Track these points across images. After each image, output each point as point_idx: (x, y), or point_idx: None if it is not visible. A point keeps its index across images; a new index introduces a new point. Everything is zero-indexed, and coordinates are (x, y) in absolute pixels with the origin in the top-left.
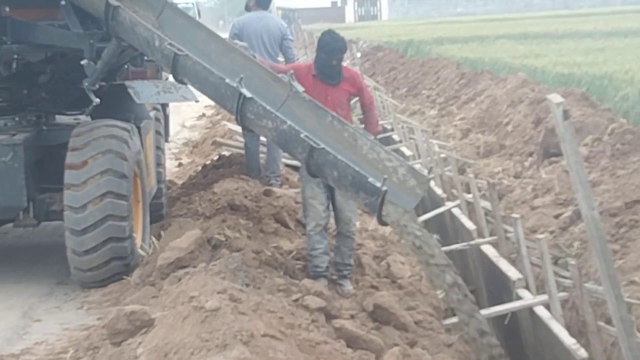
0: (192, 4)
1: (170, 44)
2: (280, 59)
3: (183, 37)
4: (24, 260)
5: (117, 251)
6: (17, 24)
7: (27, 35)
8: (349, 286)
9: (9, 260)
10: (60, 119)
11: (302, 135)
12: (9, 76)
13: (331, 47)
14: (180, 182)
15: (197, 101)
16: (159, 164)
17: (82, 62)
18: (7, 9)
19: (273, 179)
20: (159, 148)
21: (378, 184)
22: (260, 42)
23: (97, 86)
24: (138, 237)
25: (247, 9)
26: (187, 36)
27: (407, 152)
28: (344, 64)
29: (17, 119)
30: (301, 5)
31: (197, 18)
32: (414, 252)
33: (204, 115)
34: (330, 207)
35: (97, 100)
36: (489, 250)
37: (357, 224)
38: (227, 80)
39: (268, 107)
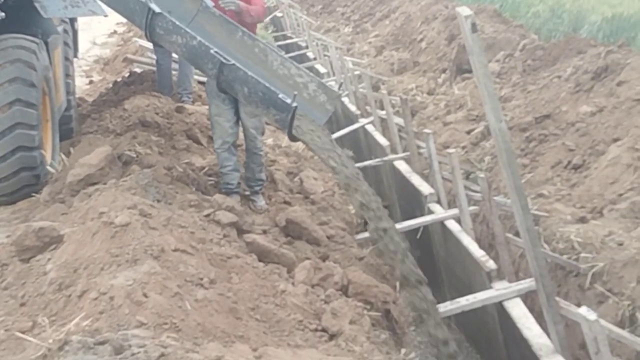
0: None
1: None
2: None
3: None
4: None
5: (26, 161)
6: None
7: None
8: (261, 202)
9: None
10: None
11: (212, 51)
12: None
13: None
14: (90, 99)
15: (105, 16)
16: (68, 74)
17: None
18: None
19: (185, 95)
20: (67, 59)
21: (288, 100)
22: None
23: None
24: (48, 154)
25: None
26: None
27: (322, 70)
28: None
29: None
30: None
31: None
32: (327, 167)
33: (115, 32)
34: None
35: (2, 14)
36: (401, 166)
37: (270, 140)
38: None
39: (177, 23)
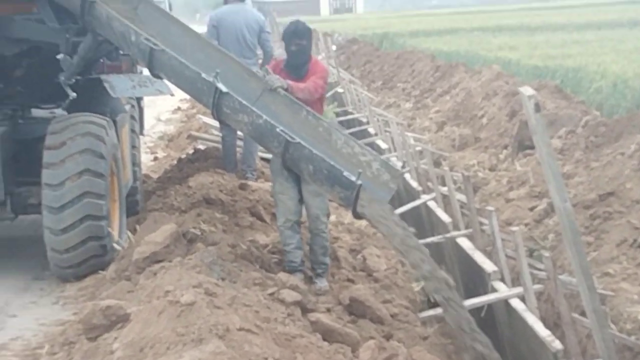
0: None
1: (146, 39)
2: (259, 52)
3: (159, 32)
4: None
5: (94, 230)
6: None
7: (2, 29)
8: (323, 284)
9: None
10: (36, 112)
11: (277, 130)
12: None
13: (290, 30)
14: (155, 176)
15: (172, 95)
16: (135, 162)
17: (58, 57)
18: None
19: (249, 172)
20: (134, 147)
21: (353, 178)
22: (238, 35)
23: (73, 80)
24: (115, 231)
25: (225, 1)
26: (163, 31)
27: (383, 145)
28: (320, 57)
29: None
30: None
31: (169, 11)
32: (391, 244)
33: (179, 108)
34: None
35: (74, 94)
36: (464, 243)
37: (333, 217)
38: (203, 75)
39: (244, 102)
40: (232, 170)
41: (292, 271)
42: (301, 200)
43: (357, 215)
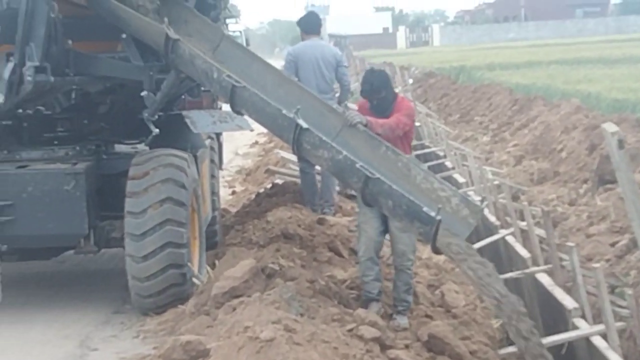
0: (240, 32)
1: (228, 76)
2: (336, 85)
3: (240, 69)
4: (82, 288)
5: (176, 277)
6: (79, 56)
7: (88, 67)
8: (403, 321)
9: (67, 288)
10: (119, 147)
11: (357, 165)
12: (69, 106)
13: (366, 90)
14: (234, 210)
15: (251, 130)
16: (214, 192)
17: (142, 94)
18: (70, 42)
19: (327, 207)
20: (213, 176)
21: (432, 213)
22: (316, 70)
23: (156, 116)
24: (194, 265)
25: (302, 37)
26: (244, 68)
27: (460, 179)
28: (397, 90)
29: (77, 148)
30: (352, 32)
31: (246, 45)
32: (470, 280)
33: (257, 142)
34: (387, 237)
35: (157, 130)
36: (544, 279)
37: None
38: (284, 111)
39: (324, 138)
40: (312, 205)
41: (368, 301)
42: (384, 232)
43: (436, 251)
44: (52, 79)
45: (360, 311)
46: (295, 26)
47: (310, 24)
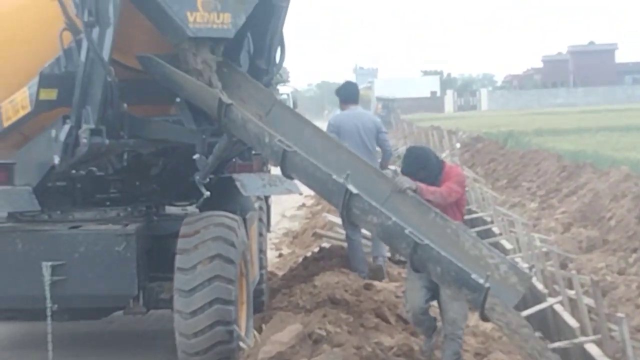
0: (288, 94)
1: (279, 140)
2: (378, 149)
3: (291, 133)
4: (129, 350)
5: (223, 335)
6: (133, 119)
7: (142, 130)
8: None
9: (115, 349)
10: (169, 209)
11: (406, 231)
12: (122, 168)
13: (407, 172)
14: (280, 273)
15: (301, 194)
16: (261, 250)
17: (195, 157)
18: (125, 105)
19: (380, 259)
20: (261, 235)
21: (481, 281)
22: (357, 138)
23: (207, 179)
24: (242, 328)
25: (341, 107)
26: (295, 132)
27: (508, 246)
28: (443, 154)
29: (129, 209)
30: (400, 95)
31: (293, 107)
32: (519, 348)
33: (304, 205)
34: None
35: (208, 193)
36: (592, 350)
37: None
38: (334, 177)
39: (373, 203)
40: (360, 270)
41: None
42: (430, 300)
43: (485, 318)
44: (107, 141)
45: None
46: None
47: (348, 94)
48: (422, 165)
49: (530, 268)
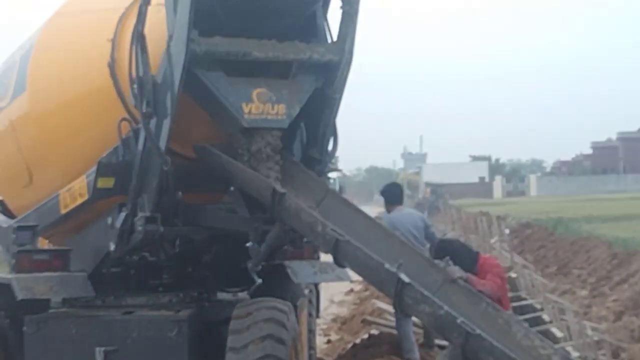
0: (334, 179)
1: (332, 230)
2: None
3: (344, 222)
4: None
5: None
6: (188, 207)
7: (197, 217)
8: None
9: None
10: (220, 295)
11: (458, 321)
12: (175, 254)
13: (436, 252)
14: (329, 359)
15: (351, 281)
16: (311, 346)
17: (247, 245)
18: (180, 193)
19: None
20: (310, 330)
21: None
22: (410, 235)
23: (260, 267)
24: None
25: (389, 210)
26: (347, 221)
27: (558, 334)
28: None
29: (181, 295)
30: (449, 180)
31: (341, 193)
32: None
33: (352, 290)
34: None
35: (260, 280)
36: None
37: None
38: (387, 266)
39: (426, 293)
40: (412, 354)
41: None
42: None
43: None
44: (161, 228)
45: None
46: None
47: (394, 196)
48: (446, 253)
49: (584, 359)
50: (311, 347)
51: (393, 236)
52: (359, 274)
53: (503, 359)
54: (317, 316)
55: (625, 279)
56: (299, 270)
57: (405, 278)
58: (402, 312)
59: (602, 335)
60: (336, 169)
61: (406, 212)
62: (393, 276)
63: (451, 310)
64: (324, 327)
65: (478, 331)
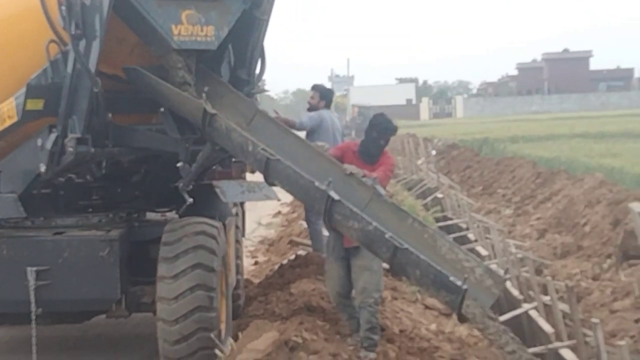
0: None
1: (263, 149)
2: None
3: (273, 142)
4: (111, 353)
5: (205, 341)
6: (118, 128)
7: (127, 138)
8: (369, 355)
9: (98, 352)
10: (150, 215)
11: (386, 236)
12: (104, 175)
13: (384, 127)
14: (256, 281)
15: (279, 200)
16: (238, 256)
17: (178, 165)
18: (110, 115)
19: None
20: (237, 242)
21: (459, 283)
22: (331, 134)
23: (190, 186)
24: (222, 333)
25: (314, 109)
26: (276, 141)
27: (483, 252)
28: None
29: (110, 215)
30: (376, 103)
31: None
32: (496, 346)
33: (279, 212)
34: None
35: (191, 200)
36: (567, 355)
37: (433, 326)
38: (317, 184)
39: (355, 209)
40: (322, 250)
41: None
42: (348, 275)
43: (462, 319)
44: (92, 149)
45: None
46: (332, 99)
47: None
48: (394, 130)
49: (506, 271)
50: (238, 265)
51: (322, 155)
52: (290, 192)
53: (429, 271)
54: (243, 235)
55: (549, 198)
56: (227, 190)
57: (334, 195)
58: (331, 228)
59: (525, 252)
60: (264, 90)
61: (329, 113)
62: (323, 194)
63: (379, 226)
64: (252, 249)
65: (405, 245)
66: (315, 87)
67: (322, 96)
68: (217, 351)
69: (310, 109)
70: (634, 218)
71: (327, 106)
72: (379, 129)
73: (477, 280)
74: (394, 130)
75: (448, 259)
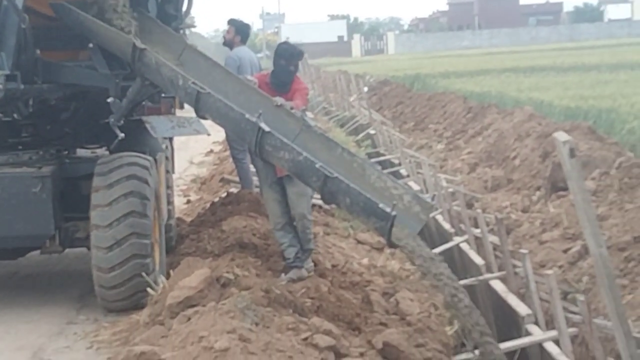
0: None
1: (193, 83)
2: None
3: (203, 76)
4: (46, 288)
5: (140, 268)
6: (47, 65)
7: (56, 75)
8: (307, 265)
9: (32, 288)
10: (80, 152)
11: (317, 166)
12: (33, 113)
13: (290, 53)
14: (188, 219)
15: (208, 134)
16: (169, 201)
17: (109, 100)
18: (38, 51)
19: None
20: (168, 187)
21: (387, 209)
22: (250, 71)
23: (121, 122)
24: (156, 264)
25: (230, 44)
26: (206, 75)
27: (415, 187)
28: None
29: (40, 152)
30: (307, 40)
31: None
32: (422, 272)
33: (211, 151)
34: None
35: (122, 135)
36: (497, 286)
37: (365, 260)
38: (247, 116)
39: (285, 140)
40: (251, 187)
41: (289, 267)
42: (285, 202)
43: (391, 245)
44: (22, 86)
45: (316, 320)
46: (249, 35)
47: (246, 32)
48: (301, 57)
49: (433, 198)
50: (169, 202)
51: (251, 89)
52: (221, 124)
53: (359, 198)
54: (173, 172)
55: (480, 132)
56: (157, 125)
57: (265, 127)
58: (262, 159)
59: (456, 186)
60: (192, 25)
61: (247, 50)
62: (253, 125)
63: (309, 156)
64: (184, 187)
65: (335, 174)
66: (232, 22)
67: (238, 31)
68: (149, 290)
69: (225, 44)
70: (558, 146)
71: (243, 41)
72: (286, 56)
73: (406, 207)
74: (300, 54)
75: (377, 187)
